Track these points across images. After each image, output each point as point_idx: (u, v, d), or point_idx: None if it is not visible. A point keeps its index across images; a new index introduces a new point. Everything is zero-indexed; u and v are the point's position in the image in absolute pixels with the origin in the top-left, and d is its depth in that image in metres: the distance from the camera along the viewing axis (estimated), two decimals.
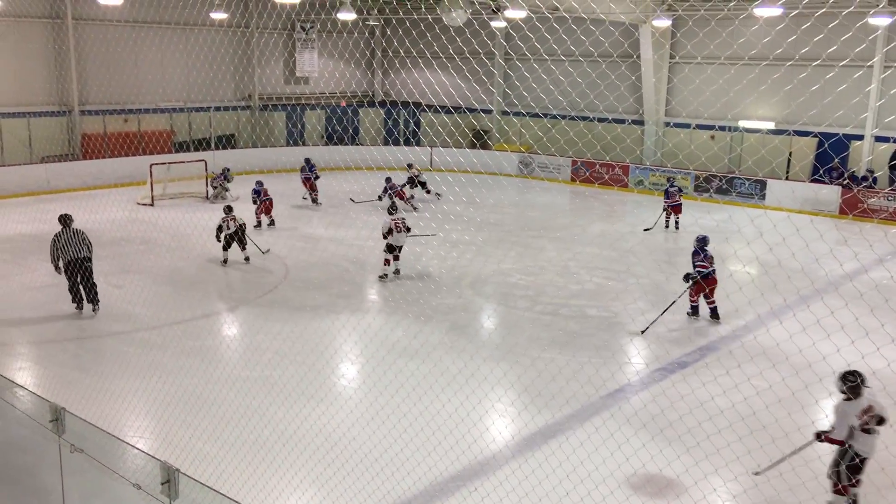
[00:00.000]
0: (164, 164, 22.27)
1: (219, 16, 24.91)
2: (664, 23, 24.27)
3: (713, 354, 11.19)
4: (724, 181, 24.12)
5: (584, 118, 25.71)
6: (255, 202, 19.17)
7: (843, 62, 20.02)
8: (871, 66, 21.83)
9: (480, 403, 9.16)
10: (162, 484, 4.16)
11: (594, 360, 10.82)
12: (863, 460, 6.94)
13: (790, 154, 23.98)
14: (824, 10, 18.02)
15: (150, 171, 21.50)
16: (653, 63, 25.81)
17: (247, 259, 15.92)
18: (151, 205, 21.40)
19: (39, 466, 5.63)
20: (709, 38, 23.57)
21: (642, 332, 11.89)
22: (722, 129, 25.18)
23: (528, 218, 21.34)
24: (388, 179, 21.56)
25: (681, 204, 19.54)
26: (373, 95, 35.30)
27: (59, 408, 4.92)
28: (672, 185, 19.86)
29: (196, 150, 26.94)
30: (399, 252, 14.93)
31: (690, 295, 12.55)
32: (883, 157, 22.33)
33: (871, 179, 21.86)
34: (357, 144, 30.63)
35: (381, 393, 9.39)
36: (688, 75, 25.85)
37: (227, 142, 28.37)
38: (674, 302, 12.23)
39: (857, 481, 7.02)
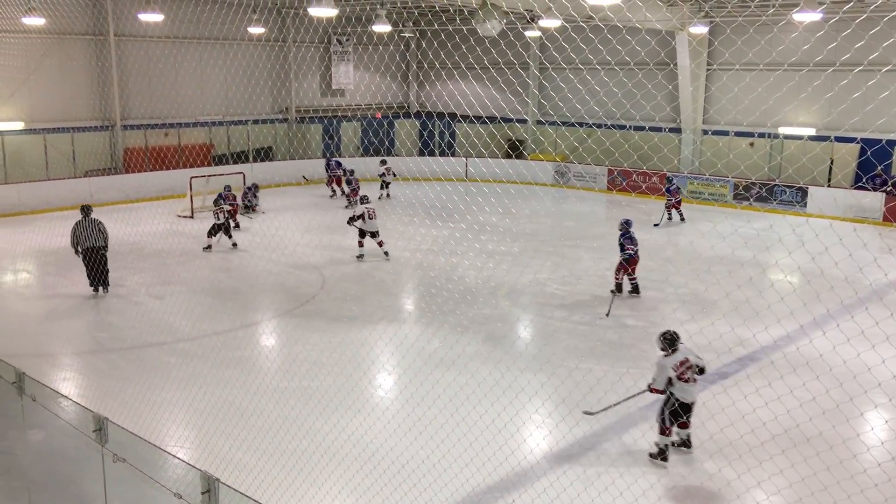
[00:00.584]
0: (204, 176, 22.59)
1: (256, 30, 25.24)
2: (701, 30, 24.04)
3: (754, 365, 11.01)
4: (764, 189, 23.79)
5: (621, 127, 25.57)
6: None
7: (886, 68, 19.68)
8: None
9: (517, 415, 9.11)
10: (202, 493, 4.20)
11: (633, 370, 10.70)
12: (683, 405, 8.15)
13: (832, 161, 23.57)
14: (865, 15, 17.73)
15: (190, 184, 21.82)
16: (690, 71, 25.57)
17: (234, 245, 18.28)
18: (191, 217, 21.70)
19: (83, 475, 5.72)
20: (747, 46, 23.30)
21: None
22: (761, 136, 24.84)
23: (564, 228, 21.24)
24: (338, 165, 24.77)
25: (680, 200, 21.93)
26: (408, 107, 35.48)
27: (102, 418, 5.00)
28: (672, 184, 21.93)
29: (234, 162, 27.34)
30: (377, 236, 16.90)
31: (616, 274, 14.33)
32: None
33: None
34: (392, 155, 30.76)
35: (417, 404, 9.39)
36: (726, 83, 25.57)
37: (264, 154, 28.69)
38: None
39: (682, 423, 8.27)
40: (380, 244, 17.00)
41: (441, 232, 19.55)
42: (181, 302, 13.98)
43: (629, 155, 25.80)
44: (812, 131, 23.63)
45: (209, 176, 22.81)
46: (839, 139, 22.45)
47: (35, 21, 19.76)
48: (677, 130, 26.84)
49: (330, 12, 14.57)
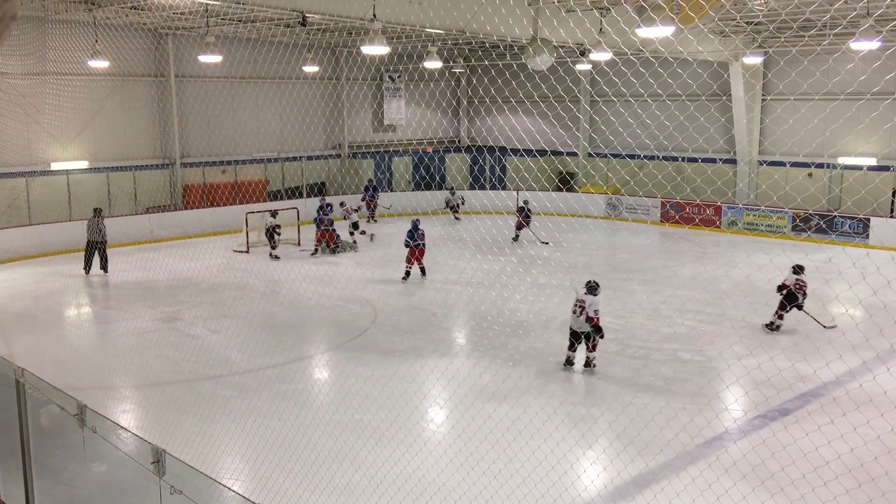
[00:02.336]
0: (259, 212, 23.03)
1: (311, 69, 25.79)
2: (755, 60, 23.80)
3: (816, 402, 10.70)
4: (823, 221, 23.28)
5: (673, 159, 25.36)
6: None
7: None
8: None
9: (571, 451, 8.99)
10: None
11: (689, 406, 10.49)
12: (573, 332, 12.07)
13: (894, 191, 22.99)
14: None
15: (246, 220, 22.25)
16: (744, 102, 25.29)
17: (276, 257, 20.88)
18: (247, 252, 22.09)
19: None
20: (802, 76, 23.01)
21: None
22: (819, 167, 24.38)
23: (616, 260, 21.05)
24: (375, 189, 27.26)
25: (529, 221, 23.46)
26: (459, 141, 35.75)
27: (160, 450, 5.08)
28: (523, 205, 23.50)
29: (289, 198, 27.81)
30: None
31: (407, 262, 18.17)
32: None
33: None
34: (443, 189, 30.96)
35: (469, 438, 9.33)
36: (781, 114, 25.22)
37: (317, 189, 29.14)
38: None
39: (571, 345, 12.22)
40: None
41: (492, 265, 19.54)
42: (236, 335, 14.20)
43: (682, 187, 25.55)
44: (873, 161, 23.10)
45: (264, 212, 23.24)
46: None
47: (100, 64, 20.51)
48: (731, 162, 26.50)
49: (382, 50, 14.81)
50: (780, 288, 14.23)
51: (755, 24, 21.46)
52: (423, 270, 18.56)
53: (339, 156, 31.12)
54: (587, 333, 12.00)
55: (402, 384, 11.38)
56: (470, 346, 14.06)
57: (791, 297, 14.08)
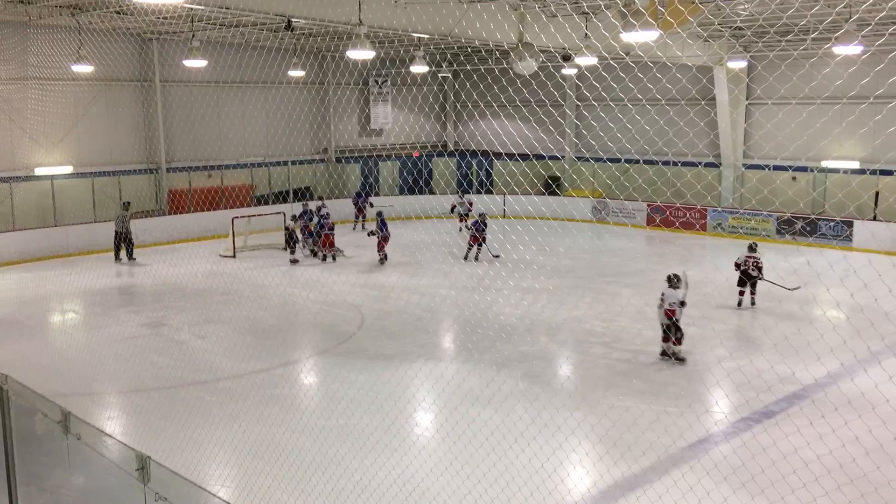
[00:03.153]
0: (245, 217, 23.02)
1: (296, 73, 25.81)
2: (738, 64, 24.01)
3: (796, 404, 10.83)
4: (806, 223, 23.51)
5: (657, 163, 25.55)
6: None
7: None
8: None
9: (555, 453, 9.06)
10: None
11: (672, 408, 10.60)
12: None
13: (877, 193, 23.24)
14: None
15: (232, 225, 22.24)
16: (727, 106, 25.50)
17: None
18: (233, 257, 22.07)
19: None
20: (783, 80, 23.24)
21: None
22: (802, 169, 24.61)
23: (602, 263, 21.17)
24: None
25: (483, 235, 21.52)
26: (445, 145, 35.83)
27: (144, 456, 5.10)
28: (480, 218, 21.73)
29: (275, 202, 27.82)
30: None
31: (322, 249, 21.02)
32: None
33: None
34: (430, 193, 31.04)
35: (455, 442, 9.39)
36: (764, 116, 25.45)
37: (304, 194, 29.14)
38: None
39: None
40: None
41: (477, 269, 19.62)
42: (222, 340, 14.21)
43: (666, 191, 25.76)
44: (856, 164, 23.34)
45: (250, 216, 23.23)
46: (883, 171, 22.14)
47: (84, 69, 20.45)
48: (714, 165, 26.72)
49: (367, 55, 14.87)
50: (737, 266, 15.94)
51: (735, 29, 21.66)
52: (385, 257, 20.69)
53: (325, 160, 31.13)
54: (668, 326, 12.52)
55: (389, 388, 11.43)
56: (456, 350, 14.12)
57: (746, 274, 15.71)
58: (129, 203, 22.10)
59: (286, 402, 11.37)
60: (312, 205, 23.72)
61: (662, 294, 12.64)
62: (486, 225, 21.42)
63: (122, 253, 21.80)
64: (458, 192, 27.89)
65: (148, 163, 26.00)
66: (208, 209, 25.84)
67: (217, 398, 11.44)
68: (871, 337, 11.76)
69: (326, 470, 8.68)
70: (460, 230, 25.22)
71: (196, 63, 19.84)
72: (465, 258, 21.25)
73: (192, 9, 16.83)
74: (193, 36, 20.26)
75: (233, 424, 10.23)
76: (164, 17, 19.92)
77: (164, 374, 12.62)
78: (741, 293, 15.99)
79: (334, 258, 21.80)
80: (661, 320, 12.70)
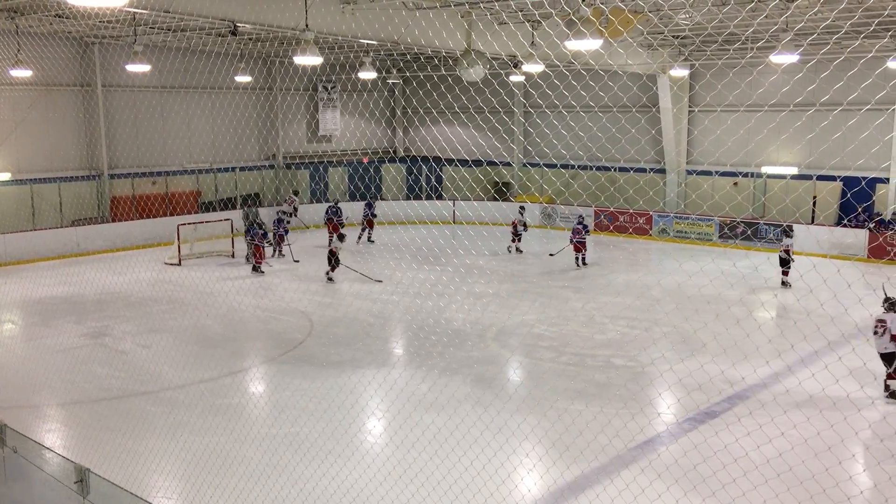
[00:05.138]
0: (191, 224, 22.59)
1: (243, 79, 25.49)
2: (682, 73, 24.44)
3: (745, 406, 10.97)
4: (749, 228, 23.99)
5: (606, 169, 25.87)
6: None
7: (865, 108, 20.04)
8: (893, 111, 21.79)
9: (509, 459, 9.03)
10: None
11: (623, 412, 10.65)
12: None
13: (815, 199, 23.84)
14: (843, 57, 18.07)
15: (178, 232, 21.81)
16: (672, 114, 25.94)
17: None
18: (179, 264, 21.64)
19: None
20: (727, 88, 23.73)
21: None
22: (745, 175, 25.14)
23: (551, 269, 21.28)
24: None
25: (585, 241, 21.29)
26: (395, 151, 35.74)
27: (83, 469, 4.93)
28: (579, 224, 21.43)
29: (222, 209, 27.38)
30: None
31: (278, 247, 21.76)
32: None
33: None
34: (381, 199, 30.88)
35: (407, 450, 9.29)
36: (708, 125, 25.93)
37: (252, 201, 28.76)
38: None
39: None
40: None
41: (428, 275, 19.56)
42: (167, 350, 13.87)
43: (616, 197, 26.08)
44: (795, 170, 23.94)
45: (196, 223, 22.82)
46: (822, 178, 22.72)
47: (22, 73, 19.87)
48: (661, 171, 27.13)
49: (315, 61, 14.71)
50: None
51: (681, 38, 22.05)
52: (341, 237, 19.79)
53: (274, 166, 30.78)
54: (891, 355, 10.69)
55: (339, 396, 11.28)
56: (407, 357, 14.02)
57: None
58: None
59: (233, 411, 11.14)
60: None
61: (881, 321, 10.80)
62: (587, 230, 21.56)
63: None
64: (520, 209, 24.54)
65: (90, 169, 25.38)
66: (153, 216, 25.31)
67: (161, 409, 11.15)
68: (815, 339, 12.02)
69: (273, 479, 8.51)
70: (514, 250, 23.42)
71: (139, 68, 19.43)
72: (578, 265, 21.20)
73: (134, 13, 16.48)
74: (136, 40, 19.84)
75: (177, 435, 9.97)
76: (106, 21, 19.47)
77: (107, 385, 12.27)
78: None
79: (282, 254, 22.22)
80: (879, 348, 10.84)
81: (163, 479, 8.97)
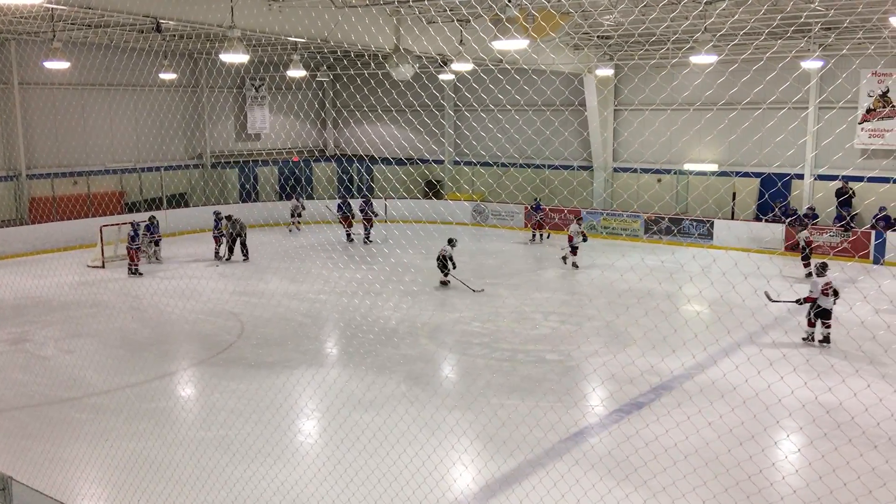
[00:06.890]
0: (115, 225, 21.98)
1: (168, 76, 24.90)
2: (607, 73, 24.92)
3: (671, 396, 11.28)
4: (672, 224, 24.64)
5: (533, 165, 26.22)
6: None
7: (783, 109, 20.81)
8: (807, 110, 22.65)
9: (448, 455, 9.05)
10: None
11: (556, 405, 10.82)
12: (824, 311, 13.11)
13: (734, 195, 24.62)
14: (763, 62, 18.66)
15: (101, 233, 21.19)
16: (597, 111, 26.43)
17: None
18: (102, 267, 21.03)
19: None
20: (650, 87, 24.30)
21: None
22: (668, 172, 25.81)
23: (483, 265, 21.43)
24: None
25: (540, 221, 24.55)
26: (325, 149, 35.45)
27: (5, 477, 4.78)
28: (538, 205, 24.47)
29: (147, 209, 26.67)
30: None
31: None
32: (828, 193, 22.94)
33: (811, 217, 22.41)
34: (312, 199, 30.57)
35: (339, 448, 9.26)
36: (631, 121, 26.52)
37: (179, 201, 28.14)
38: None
39: (826, 323, 13.27)
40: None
41: (356, 274, 19.48)
42: (92, 355, 13.48)
43: (541, 191, 26.45)
44: (715, 167, 24.71)
45: (120, 224, 22.21)
46: (741, 174, 23.48)
47: None
48: (587, 167, 27.62)
49: (242, 58, 14.48)
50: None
51: (605, 38, 22.47)
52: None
53: (200, 165, 30.17)
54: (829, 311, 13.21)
55: (271, 397, 11.15)
56: (338, 355, 13.96)
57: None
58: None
59: (161, 415, 10.90)
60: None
61: (829, 283, 13.15)
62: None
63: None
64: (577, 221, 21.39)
65: (7, 169, 24.46)
66: (74, 217, 24.52)
67: (86, 415, 10.84)
68: (737, 332, 12.44)
69: (205, 483, 8.37)
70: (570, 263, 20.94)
71: (58, 64, 18.75)
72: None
73: (52, 8, 15.93)
74: (54, 36, 19.17)
75: (103, 441, 9.72)
76: (22, 17, 18.77)
77: (28, 392, 11.85)
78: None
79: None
80: (826, 305, 13.16)
81: (89, 486, 8.73)
